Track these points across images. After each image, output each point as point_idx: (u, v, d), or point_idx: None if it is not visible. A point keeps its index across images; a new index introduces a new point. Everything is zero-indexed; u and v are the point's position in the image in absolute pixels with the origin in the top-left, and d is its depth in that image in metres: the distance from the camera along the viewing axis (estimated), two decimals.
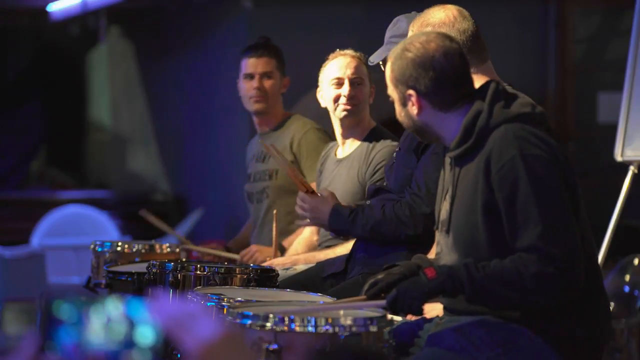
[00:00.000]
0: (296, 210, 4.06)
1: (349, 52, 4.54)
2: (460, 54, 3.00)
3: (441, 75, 2.97)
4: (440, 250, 3.09)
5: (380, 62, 3.98)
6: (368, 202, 4.02)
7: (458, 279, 2.85)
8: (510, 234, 2.86)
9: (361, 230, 3.87)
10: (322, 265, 4.25)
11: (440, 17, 3.46)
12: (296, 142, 4.98)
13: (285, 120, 5.09)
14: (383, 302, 2.94)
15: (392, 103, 3.11)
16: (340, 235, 4.06)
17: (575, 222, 2.89)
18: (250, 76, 5.04)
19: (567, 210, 2.87)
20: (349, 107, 4.44)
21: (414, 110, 3.01)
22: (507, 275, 2.83)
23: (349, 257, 4.10)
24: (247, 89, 5.06)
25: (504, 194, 2.86)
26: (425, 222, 3.73)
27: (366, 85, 4.49)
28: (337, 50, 4.56)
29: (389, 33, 3.99)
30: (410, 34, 3.54)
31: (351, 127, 4.49)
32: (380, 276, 3.03)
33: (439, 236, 3.10)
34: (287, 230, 4.96)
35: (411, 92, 2.99)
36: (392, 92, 3.05)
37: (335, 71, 4.46)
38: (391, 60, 3.04)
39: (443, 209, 3.06)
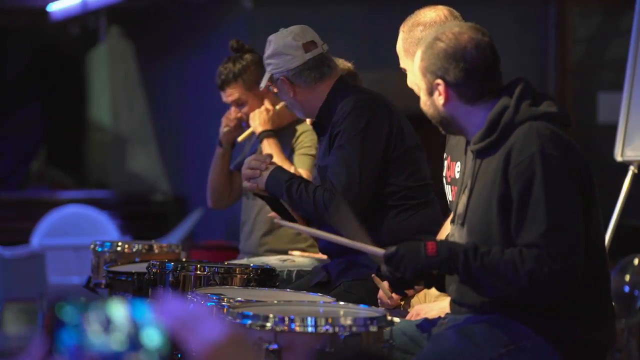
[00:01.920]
0: (242, 171, 4.00)
1: None
2: (491, 48, 2.99)
3: (471, 67, 2.96)
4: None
5: (269, 85, 4.06)
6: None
7: (454, 264, 2.86)
8: (515, 228, 2.86)
9: (290, 200, 3.88)
10: (310, 275, 4.26)
11: (431, 17, 3.48)
12: (296, 136, 4.95)
13: (291, 124, 5.01)
14: (382, 251, 2.95)
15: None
16: (274, 197, 3.98)
17: (582, 227, 2.88)
18: (230, 105, 4.98)
19: (576, 214, 2.86)
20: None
21: (440, 100, 3.00)
22: (502, 269, 2.83)
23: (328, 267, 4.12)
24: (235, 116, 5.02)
25: (518, 188, 2.86)
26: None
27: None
28: None
29: (264, 55, 4.06)
30: (400, 34, 3.56)
31: None
32: None
33: (453, 229, 3.09)
34: (271, 230, 4.99)
35: (439, 81, 2.98)
36: (419, 81, 3.04)
37: None
38: (422, 50, 3.03)
39: (460, 203, 3.06)
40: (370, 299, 3.73)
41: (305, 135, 4.92)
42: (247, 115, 4.93)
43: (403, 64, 3.58)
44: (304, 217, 4.01)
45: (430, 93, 3.02)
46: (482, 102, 2.99)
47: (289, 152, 4.93)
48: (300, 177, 3.94)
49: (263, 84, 4.08)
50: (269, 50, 4.04)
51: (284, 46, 4.00)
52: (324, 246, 4.08)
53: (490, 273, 2.84)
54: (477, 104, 2.99)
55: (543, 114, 2.95)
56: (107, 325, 1.69)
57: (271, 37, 4.06)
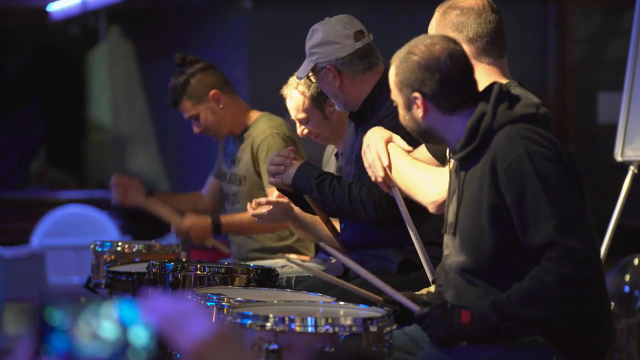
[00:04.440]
0: (267, 167, 3.98)
1: (290, 86, 4.53)
2: (464, 57, 2.99)
3: (447, 77, 2.96)
4: (449, 252, 3.07)
5: (309, 75, 3.99)
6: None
7: (489, 322, 2.83)
8: (522, 232, 2.84)
9: (322, 198, 3.84)
10: (325, 270, 4.26)
11: (470, 3, 3.44)
12: (255, 146, 4.99)
13: (252, 123, 5.06)
14: (417, 308, 2.93)
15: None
16: (300, 192, 3.94)
17: (588, 214, 2.88)
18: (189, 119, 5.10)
19: (579, 203, 2.85)
20: (317, 140, 4.54)
21: (419, 113, 2.99)
22: (531, 294, 2.80)
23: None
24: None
25: (513, 193, 2.84)
26: (387, 211, 3.74)
27: (314, 115, 4.47)
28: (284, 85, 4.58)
29: (308, 44, 3.99)
30: (435, 15, 3.52)
31: (334, 143, 4.51)
32: (404, 293, 3.07)
33: (447, 238, 3.09)
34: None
35: (417, 94, 2.98)
36: (396, 96, 3.04)
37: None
38: (395, 64, 3.02)
39: (450, 212, 3.05)
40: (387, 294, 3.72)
41: (264, 145, 4.95)
42: (205, 126, 5.04)
43: None
44: (331, 213, 3.98)
45: (409, 107, 3.01)
46: (460, 111, 2.98)
47: (249, 156, 4.99)
48: (330, 173, 3.92)
49: (303, 73, 3.99)
50: (315, 39, 3.96)
51: (334, 34, 3.93)
52: (345, 239, 4.05)
53: (523, 306, 2.81)
54: (456, 113, 2.99)
55: (521, 116, 2.94)
56: (96, 329, 1.69)
57: (317, 26, 3.98)
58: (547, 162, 2.86)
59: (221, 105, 5.03)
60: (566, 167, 2.90)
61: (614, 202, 5.08)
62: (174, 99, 5.06)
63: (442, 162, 3.50)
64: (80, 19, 11.09)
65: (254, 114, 5.08)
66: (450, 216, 3.05)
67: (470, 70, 3.01)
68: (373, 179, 3.51)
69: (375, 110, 3.91)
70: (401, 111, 3.05)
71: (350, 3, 8.91)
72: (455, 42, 3.02)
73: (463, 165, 3.00)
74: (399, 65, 3.01)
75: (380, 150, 3.46)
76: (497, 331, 2.84)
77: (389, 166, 3.43)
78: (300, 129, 4.51)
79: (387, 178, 3.47)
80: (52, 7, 10.88)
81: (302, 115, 4.48)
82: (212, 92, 5.02)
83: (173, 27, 10.76)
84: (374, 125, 3.84)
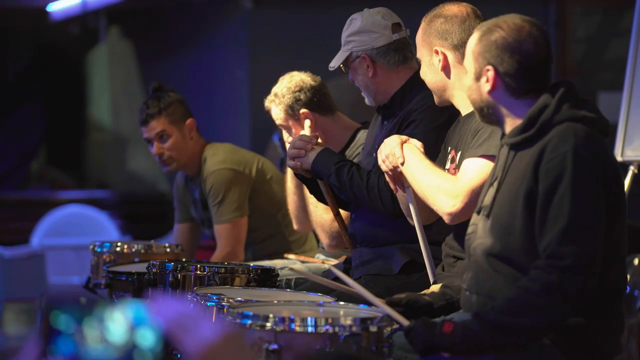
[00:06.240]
0: (288, 150, 3.98)
1: (267, 100, 4.59)
2: (547, 47, 2.99)
3: (525, 62, 2.96)
4: (473, 231, 3.06)
5: (341, 66, 3.99)
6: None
7: (472, 332, 2.81)
8: (538, 224, 2.84)
9: (338, 182, 3.84)
10: (327, 271, 4.26)
11: (454, 11, 3.51)
12: (205, 183, 5.02)
13: (202, 160, 5.09)
14: (406, 323, 2.93)
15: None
16: (318, 177, 3.95)
17: (602, 231, 2.85)
18: (149, 141, 5.05)
19: (597, 217, 2.84)
20: None
21: (486, 86, 2.99)
22: (516, 302, 2.79)
23: (347, 261, 4.11)
24: (153, 154, 5.08)
25: (546, 184, 2.84)
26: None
27: (293, 126, 4.52)
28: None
29: (345, 33, 4.00)
30: (421, 25, 3.55)
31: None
32: (407, 294, 3.13)
33: (476, 218, 3.07)
34: None
35: (490, 68, 2.98)
36: (469, 63, 3.03)
37: None
38: (479, 33, 3.03)
39: (488, 194, 3.04)
40: (388, 295, 3.71)
41: (211, 180, 4.97)
42: (170, 149, 4.99)
43: (419, 54, 3.58)
44: (348, 200, 3.97)
45: (478, 77, 3.01)
46: (526, 98, 2.97)
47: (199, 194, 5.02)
48: (350, 161, 3.91)
49: (337, 63, 3.99)
50: (352, 27, 3.97)
51: (372, 24, 3.94)
52: (353, 230, 4.05)
53: (507, 314, 2.80)
54: (521, 98, 2.98)
55: (583, 117, 2.93)
56: (103, 332, 1.69)
57: (355, 15, 3.99)
58: (588, 168, 2.84)
59: (192, 136, 5.04)
60: (606, 180, 2.87)
61: None
62: (151, 112, 4.98)
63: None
64: (80, 19, 11.10)
65: (201, 149, 5.10)
66: (488, 199, 3.03)
67: (548, 62, 3.00)
68: (387, 176, 3.51)
69: (404, 104, 3.90)
70: (468, 80, 3.04)
71: (350, 3, 8.91)
72: (543, 31, 3.02)
73: (513, 150, 2.99)
74: (482, 35, 3.01)
75: (395, 149, 3.46)
76: (481, 342, 2.81)
77: (403, 163, 3.43)
78: (286, 137, 4.55)
79: (401, 175, 3.47)
80: (52, 7, 10.88)
81: (284, 125, 4.53)
82: (189, 119, 5.05)
83: (173, 27, 10.77)
84: (401, 118, 3.85)
